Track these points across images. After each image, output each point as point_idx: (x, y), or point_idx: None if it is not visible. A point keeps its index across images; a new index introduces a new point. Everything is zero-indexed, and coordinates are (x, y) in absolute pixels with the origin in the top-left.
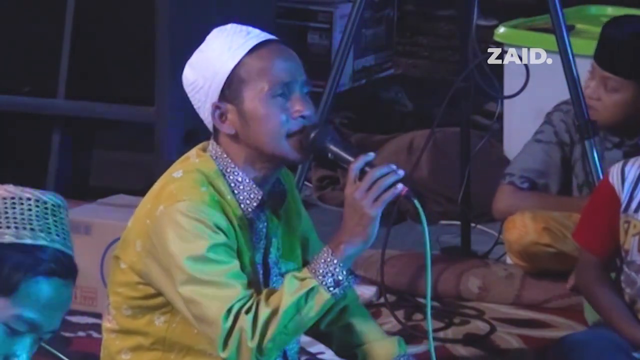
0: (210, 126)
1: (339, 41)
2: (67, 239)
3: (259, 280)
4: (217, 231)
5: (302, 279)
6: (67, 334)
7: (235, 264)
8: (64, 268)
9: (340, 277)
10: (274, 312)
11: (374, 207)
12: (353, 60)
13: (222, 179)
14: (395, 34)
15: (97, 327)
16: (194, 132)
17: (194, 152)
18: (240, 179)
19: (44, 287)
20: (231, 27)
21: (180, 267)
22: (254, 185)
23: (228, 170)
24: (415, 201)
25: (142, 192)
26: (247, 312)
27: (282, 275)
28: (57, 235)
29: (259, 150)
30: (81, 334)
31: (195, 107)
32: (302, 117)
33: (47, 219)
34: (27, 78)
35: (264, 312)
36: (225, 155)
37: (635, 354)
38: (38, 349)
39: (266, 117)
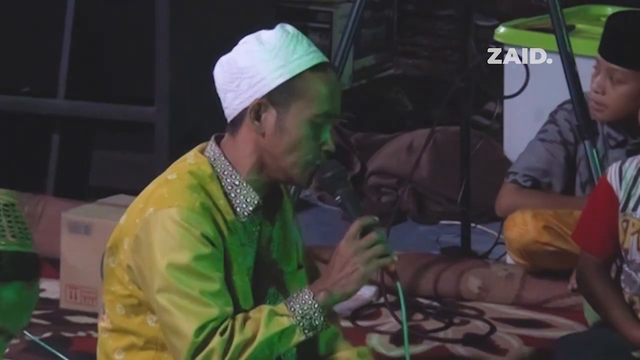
0: (232, 114)
1: (339, 41)
2: (24, 237)
3: (248, 285)
4: (204, 242)
5: (281, 315)
6: (67, 334)
7: (217, 280)
8: (23, 270)
9: (316, 322)
10: (248, 341)
11: (368, 266)
12: (353, 60)
13: (217, 182)
14: (395, 34)
15: (97, 327)
16: (194, 132)
17: (192, 153)
18: (237, 182)
19: (6, 294)
20: (295, 31)
21: (161, 273)
22: (251, 190)
23: (225, 173)
24: (398, 284)
25: None
26: (221, 333)
27: (274, 278)
28: (13, 237)
29: (275, 161)
30: (81, 334)
31: (223, 88)
32: (327, 151)
33: (0, 221)
34: (27, 78)
35: (237, 339)
36: (223, 158)
37: (635, 354)
38: (38, 349)
39: (300, 139)
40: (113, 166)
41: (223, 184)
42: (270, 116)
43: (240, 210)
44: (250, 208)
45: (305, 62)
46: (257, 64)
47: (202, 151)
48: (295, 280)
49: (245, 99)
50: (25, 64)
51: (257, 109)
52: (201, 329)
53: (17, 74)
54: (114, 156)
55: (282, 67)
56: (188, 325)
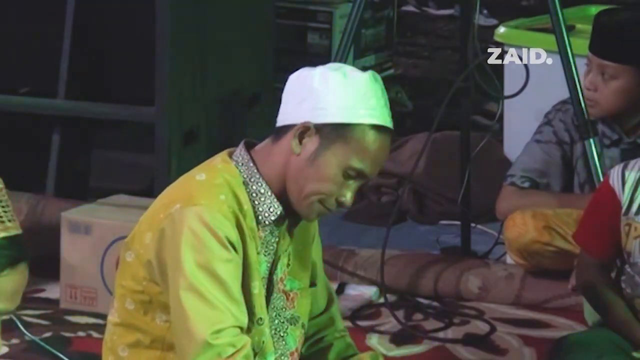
0: (283, 122)
1: (339, 41)
2: (14, 219)
3: (262, 293)
4: (227, 245)
5: None
6: (67, 334)
7: (235, 287)
8: (25, 251)
9: None
10: None
11: None
12: (353, 60)
13: (243, 188)
14: (395, 34)
15: (97, 327)
16: (194, 132)
17: (219, 158)
18: (262, 191)
19: (12, 278)
20: (381, 85)
21: (184, 272)
22: (275, 200)
23: (252, 179)
24: None
25: (142, 192)
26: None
27: (285, 292)
28: (9, 222)
29: (293, 183)
30: (81, 334)
31: (287, 96)
32: (342, 202)
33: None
34: (26, 78)
35: None
36: (251, 164)
37: (635, 354)
38: (38, 349)
39: (325, 177)
40: (113, 166)
41: (248, 190)
42: (311, 143)
43: (262, 218)
44: (272, 218)
45: (371, 116)
46: (329, 93)
47: (230, 155)
48: (304, 297)
49: (300, 117)
50: (25, 64)
51: (303, 131)
52: (215, 333)
53: (17, 74)
54: (114, 156)
55: (349, 108)
56: (202, 330)
